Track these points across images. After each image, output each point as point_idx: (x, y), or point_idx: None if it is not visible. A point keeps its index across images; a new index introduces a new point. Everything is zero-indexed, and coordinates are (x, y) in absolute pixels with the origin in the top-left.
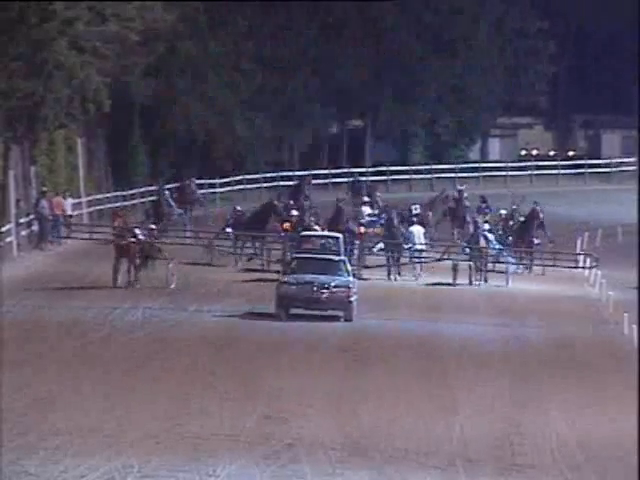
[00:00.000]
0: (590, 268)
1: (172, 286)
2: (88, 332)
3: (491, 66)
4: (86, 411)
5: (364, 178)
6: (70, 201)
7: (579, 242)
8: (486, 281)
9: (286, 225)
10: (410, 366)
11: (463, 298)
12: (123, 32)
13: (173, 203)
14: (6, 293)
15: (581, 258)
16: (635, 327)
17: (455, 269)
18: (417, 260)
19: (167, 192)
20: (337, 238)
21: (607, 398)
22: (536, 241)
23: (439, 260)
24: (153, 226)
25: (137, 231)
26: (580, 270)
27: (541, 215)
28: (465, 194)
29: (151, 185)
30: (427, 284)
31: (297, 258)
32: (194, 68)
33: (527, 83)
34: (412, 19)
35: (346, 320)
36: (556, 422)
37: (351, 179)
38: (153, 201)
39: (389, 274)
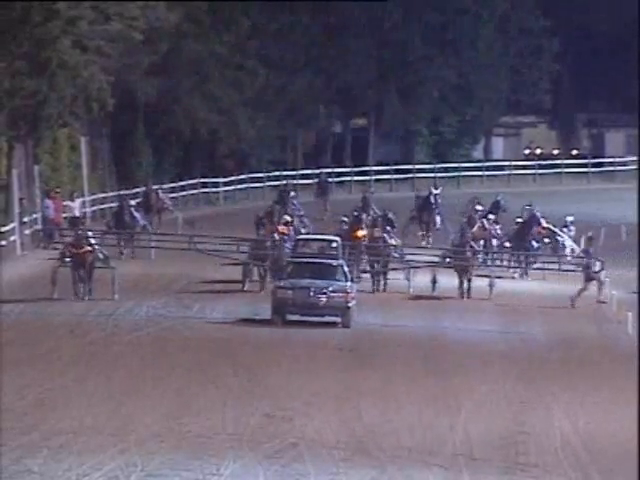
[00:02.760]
0: (597, 272)
1: (115, 297)
2: (90, 332)
3: (495, 65)
4: (90, 410)
5: (362, 177)
6: (78, 202)
7: (582, 241)
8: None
9: (282, 229)
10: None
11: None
12: (127, 31)
13: (137, 214)
14: (9, 293)
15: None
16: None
17: (434, 281)
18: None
19: (131, 202)
20: (335, 241)
21: (611, 397)
22: (536, 245)
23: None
24: (90, 233)
25: (92, 239)
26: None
27: (542, 220)
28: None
29: (154, 184)
30: (409, 297)
31: (293, 262)
32: (198, 67)
33: (531, 82)
34: (416, 18)
35: (344, 326)
36: (560, 421)
37: (317, 180)
38: (116, 211)
39: (374, 284)
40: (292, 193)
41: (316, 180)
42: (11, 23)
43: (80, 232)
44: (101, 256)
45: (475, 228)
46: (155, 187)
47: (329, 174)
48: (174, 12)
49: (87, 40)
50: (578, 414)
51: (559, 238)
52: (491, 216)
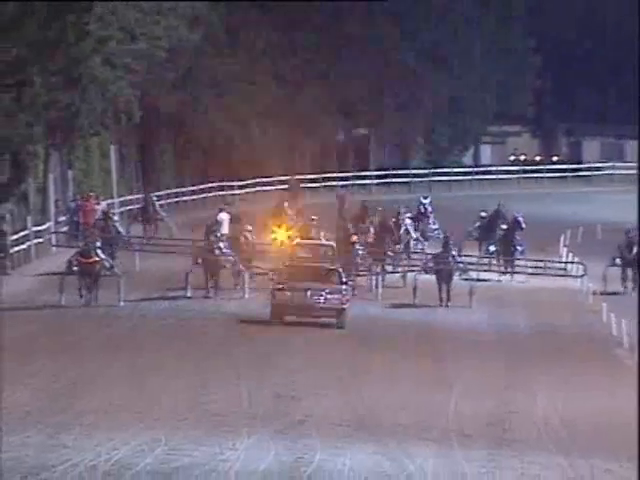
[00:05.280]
0: (579, 277)
1: (121, 304)
2: (117, 322)
3: (483, 80)
4: (119, 390)
5: (367, 181)
6: (103, 205)
7: (562, 239)
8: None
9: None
10: None
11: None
12: (152, 50)
13: (121, 228)
14: (46, 285)
15: (569, 265)
16: (613, 315)
17: (415, 288)
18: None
19: (116, 217)
20: (331, 246)
21: (587, 378)
22: (519, 249)
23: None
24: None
25: (99, 250)
26: (563, 262)
27: (524, 225)
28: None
29: (176, 187)
30: (390, 305)
31: (291, 266)
32: (215, 82)
33: (515, 95)
34: (412, 38)
35: (339, 327)
36: (542, 400)
37: (288, 183)
38: (101, 226)
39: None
40: (285, 203)
41: (287, 185)
42: (47, 43)
43: (89, 242)
44: (107, 265)
45: (402, 231)
46: (153, 196)
47: (301, 180)
48: (194, 33)
49: (116, 58)
50: (557, 394)
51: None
52: (408, 220)
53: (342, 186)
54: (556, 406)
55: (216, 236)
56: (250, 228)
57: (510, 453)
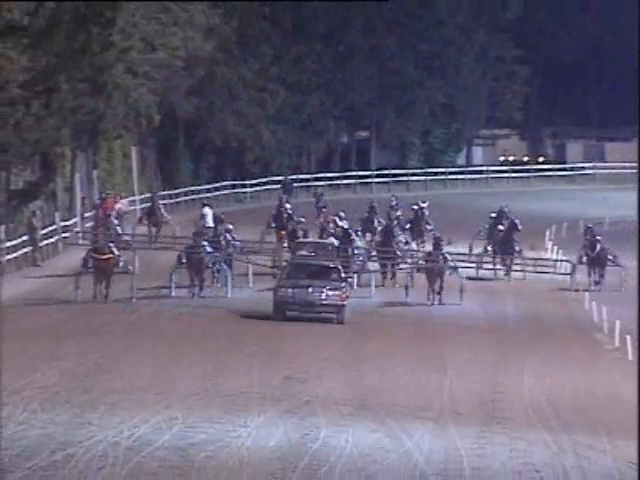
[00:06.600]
0: (569, 274)
1: (133, 300)
2: (137, 310)
3: (475, 87)
4: (139, 373)
5: (369, 180)
6: (125, 202)
7: (548, 233)
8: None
9: (282, 233)
10: None
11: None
12: (170, 59)
13: (121, 231)
14: (72, 275)
15: (558, 262)
16: (595, 304)
17: (407, 286)
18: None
19: (116, 221)
20: (331, 244)
21: (570, 360)
22: (517, 248)
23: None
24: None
25: (112, 246)
26: (549, 255)
27: (520, 227)
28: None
29: (192, 185)
30: (380, 304)
31: (293, 264)
32: (228, 88)
33: (505, 101)
34: (409, 48)
35: (338, 322)
36: (529, 381)
37: (282, 182)
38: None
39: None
40: (288, 205)
41: (281, 184)
42: (74, 53)
43: (103, 239)
44: (121, 262)
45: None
46: (159, 197)
47: (293, 180)
48: (209, 43)
49: (137, 66)
50: (543, 375)
51: (355, 239)
52: (341, 221)
53: (345, 185)
54: (542, 385)
55: (202, 233)
56: (231, 227)
57: (500, 429)
